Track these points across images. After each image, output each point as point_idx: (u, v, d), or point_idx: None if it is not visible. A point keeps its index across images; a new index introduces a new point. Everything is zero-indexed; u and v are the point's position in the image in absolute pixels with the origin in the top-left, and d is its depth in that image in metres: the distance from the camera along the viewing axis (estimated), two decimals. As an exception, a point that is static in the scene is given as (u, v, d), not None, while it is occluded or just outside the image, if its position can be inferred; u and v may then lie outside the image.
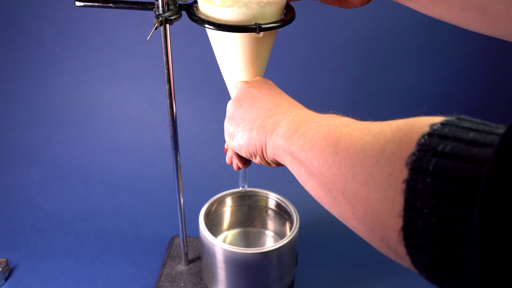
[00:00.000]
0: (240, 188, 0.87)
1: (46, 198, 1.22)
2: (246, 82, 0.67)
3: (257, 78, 0.68)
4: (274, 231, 1.06)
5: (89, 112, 1.43)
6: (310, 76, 1.45)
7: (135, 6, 0.68)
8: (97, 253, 1.07)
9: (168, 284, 0.96)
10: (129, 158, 1.35)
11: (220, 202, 1.01)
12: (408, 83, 1.47)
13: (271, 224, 1.05)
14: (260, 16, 0.63)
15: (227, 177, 1.26)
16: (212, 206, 0.98)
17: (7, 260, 1.01)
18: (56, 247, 1.08)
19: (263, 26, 0.63)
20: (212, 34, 0.68)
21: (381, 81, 1.47)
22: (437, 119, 0.35)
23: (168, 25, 0.70)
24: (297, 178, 0.51)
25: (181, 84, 1.34)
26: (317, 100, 1.44)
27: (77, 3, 0.69)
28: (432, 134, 0.33)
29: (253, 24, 0.62)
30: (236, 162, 0.70)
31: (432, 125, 0.34)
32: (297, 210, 0.94)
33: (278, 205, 1.01)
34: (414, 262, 0.34)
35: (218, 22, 0.63)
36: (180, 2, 0.69)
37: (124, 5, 0.68)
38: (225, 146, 0.70)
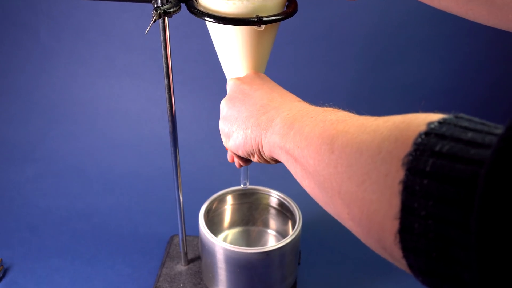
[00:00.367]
0: (242, 186, 0.86)
1: (41, 196, 1.22)
2: (237, 78, 0.66)
3: (249, 73, 0.68)
4: (276, 230, 1.05)
5: (85, 107, 1.43)
6: (312, 70, 1.45)
7: (133, -2, 0.68)
8: (94, 252, 1.07)
9: (167, 285, 0.96)
10: (127, 155, 1.35)
11: (221, 200, 1.01)
12: (412, 77, 1.47)
13: (273, 222, 1.05)
14: (262, 9, 0.63)
15: (227, 174, 1.26)
16: (213, 204, 0.98)
17: (1, 260, 1.01)
18: (52, 247, 1.08)
19: (264, 19, 0.62)
20: (212, 27, 0.68)
21: (384, 75, 1.46)
22: (435, 117, 0.34)
23: (167, 18, 0.70)
24: (294, 176, 0.51)
25: (180, 78, 1.34)
26: (319, 94, 1.43)
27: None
28: (430, 133, 0.33)
29: (254, 17, 0.62)
30: (237, 160, 0.70)
31: (429, 124, 0.33)
32: (300, 208, 0.94)
33: (280, 203, 1.01)
34: (410, 265, 0.33)
35: (218, 14, 0.63)
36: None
37: (121, -3, 0.68)
38: None
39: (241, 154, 0.62)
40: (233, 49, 0.68)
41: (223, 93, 0.68)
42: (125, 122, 1.42)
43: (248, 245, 1.05)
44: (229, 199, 1.02)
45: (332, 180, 0.40)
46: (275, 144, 0.53)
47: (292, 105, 0.55)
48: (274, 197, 1.01)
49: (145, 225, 1.14)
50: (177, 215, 0.93)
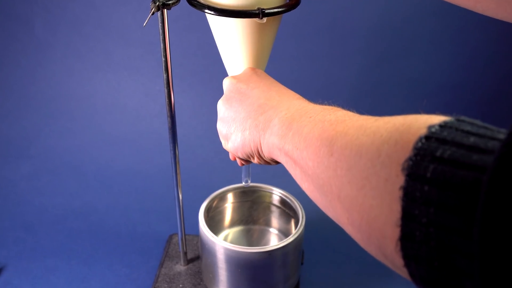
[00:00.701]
0: (243, 183, 0.86)
1: (36, 194, 1.22)
2: (233, 77, 0.66)
3: (246, 70, 0.68)
4: (278, 229, 1.05)
5: (82, 103, 1.43)
6: (315, 65, 1.45)
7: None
8: (90, 252, 1.07)
9: (165, 285, 0.96)
10: (124, 151, 1.35)
11: (221, 198, 1.01)
12: (418, 72, 1.46)
13: (275, 221, 1.05)
14: (264, 1, 0.63)
15: (228, 172, 1.26)
16: (213, 202, 0.98)
17: (-4, 260, 1.01)
18: (47, 246, 1.08)
19: (266, 11, 0.62)
20: (213, 20, 0.68)
21: (389, 70, 1.46)
22: (436, 120, 0.34)
23: (165, 10, 0.70)
24: (294, 178, 0.51)
25: (180, 72, 1.33)
26: (322, 90, 1.43)
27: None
28: (430, 137, 0.32)
29: (256, 9, 0.62)
30: (239, 160, 0.70)
31: (430, 127, 0.33)
32: (303, 206, 0.94)
33: (283, 201, 1.01)
34: (411, 274, 0.33)
35: (218, 7, 0.63)
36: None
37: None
38: None
39: (240, 156, 0.62)
40: (234, 42, 0.67)
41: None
42: (123, 117, 1.42)
43: (250, 244, 1.04)
44: (230, 197, 1.02)
45: (332, 183, 0.40)
46: (274, 145, 0.53)
47: (291, 104, 0.55)
48: (277, 195, 1.01)
49: (144, 223, 1.14)
50: (176, 213, 0.93)
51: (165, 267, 1.00)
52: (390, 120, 0.38)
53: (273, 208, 1.04)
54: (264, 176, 1.17)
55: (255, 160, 0.61)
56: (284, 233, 1.04)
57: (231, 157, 0.71)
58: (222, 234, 1.05)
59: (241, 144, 0.59)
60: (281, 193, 1.00)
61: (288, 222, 1.01)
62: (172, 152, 0.85)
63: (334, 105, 0.50)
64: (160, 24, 0.72)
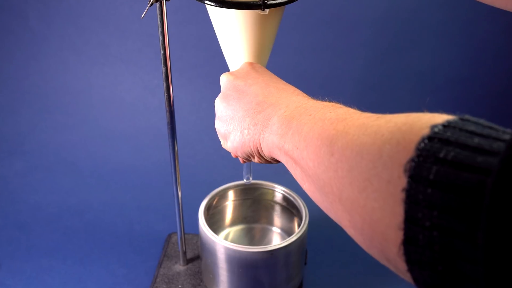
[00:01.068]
0: (244, 181, 0.86)
1: (30, 192, 1.22)
2: (230, 73, 0.66)
3: (243, 65, 0.68)
4: (281, 228, 1.05)
5: (78, 97, 1.43)
6: (319, 58, 1.45)
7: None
8: (86, 251, 1.07)
9: (164, 286, 0.96)
10: (122, 147, 1.35)
11: (222, 195, 1.01)
12: (426, 65, 1.46)
13: (277, 220, 1.05)
14: (266, -9, 0.62)
15: (229, 168, 1.26)
16: (213, 200, 0.98)
17: (-11, 259, 1.01)
18: (42, 245, 1.08)
19: (269, 3, 0.62)
20: (213, 12, 0.67)
21: (395, 63, 1.46)
22: (439, 119, 0.34)
23: (164, 1, 0.70)
24: (294, 178, 0.51)
25: (179, 66, 1.33)
26: (326, 83, 1.43)
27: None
28: (433, 137, 0.32)
29: (258, 0, 0.61)
30: (241, 157, 0.70)
31: (433, 127, 0.33)
32: (306, 204, 0.94)
33: (286, 199, 1.01)
34: (415, 279, 0.33)
35: (219, -3, 0.62)
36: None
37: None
38: None
39: (240, 156, 0.62)
40: (235, 34, 0.67)
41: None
42: (120, 112, 1.42)
43: (251, 243, 1.05)
44: (231, 195, 1.02)
45: (333, 184, 0.40)
46: (273, 144, 0.53)
47: (290, 101, 0.55)
48: (279, 192, 1.01)
49: (142, 222, 1.14)
50: (175, 211, 0.93)
51: (163, 267, 1.00)
52: (392, 119, 0.37)
53: (276, 206, 1.03)
54: (266, 173, 1.17)
55: (256, 159, 0.61)
56: (287, 232, 1.04)
57: (232, 154, 0.70)
58: (223, 233, 1.05)
59: (240, 143, 0.59)
60: (283, 191, 1.00)
61: (291, 220, 1.01)
62: (171, 148, 0.85)
63: (335, 101, 0.50)
64: (158, 16, 0.72)
